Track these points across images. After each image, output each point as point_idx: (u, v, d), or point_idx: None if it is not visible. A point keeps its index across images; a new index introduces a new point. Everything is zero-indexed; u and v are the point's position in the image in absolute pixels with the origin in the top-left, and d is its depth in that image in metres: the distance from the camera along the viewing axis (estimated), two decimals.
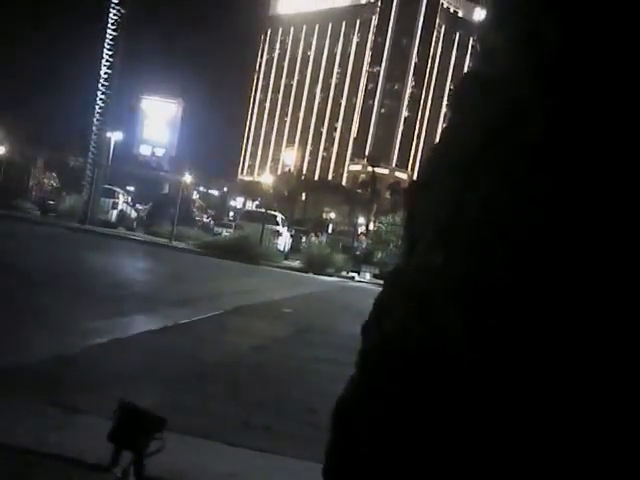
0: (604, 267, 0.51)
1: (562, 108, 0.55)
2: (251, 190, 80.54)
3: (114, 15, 21.69)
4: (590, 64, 0.52)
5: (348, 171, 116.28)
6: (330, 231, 43.57)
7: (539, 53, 0.56)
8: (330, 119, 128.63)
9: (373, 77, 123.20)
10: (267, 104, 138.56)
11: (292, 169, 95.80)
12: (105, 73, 22.02)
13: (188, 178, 34.95)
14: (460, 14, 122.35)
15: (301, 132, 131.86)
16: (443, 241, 0.60)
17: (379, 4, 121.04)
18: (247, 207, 58.06)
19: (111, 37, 21.90)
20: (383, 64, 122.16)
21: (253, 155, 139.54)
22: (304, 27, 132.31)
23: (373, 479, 0.67)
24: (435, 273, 0.57)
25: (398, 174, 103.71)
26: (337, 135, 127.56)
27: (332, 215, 71.52)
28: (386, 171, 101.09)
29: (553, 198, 0.54)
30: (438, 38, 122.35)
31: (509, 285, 0.53)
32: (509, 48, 0.59)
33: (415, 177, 0.78)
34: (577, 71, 0.54)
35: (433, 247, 0.60)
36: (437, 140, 0.73)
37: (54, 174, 30.94)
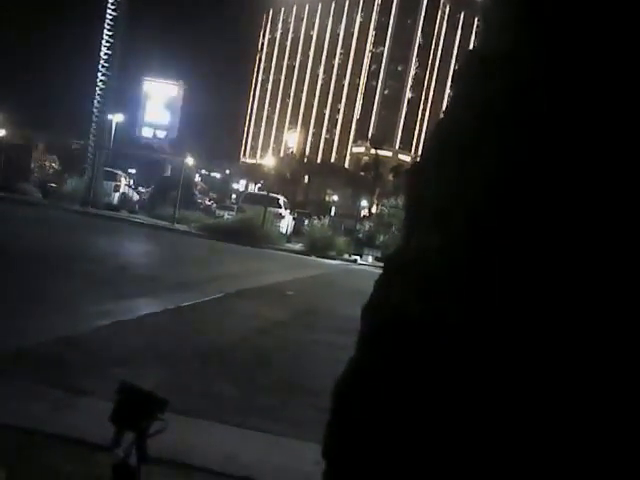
0: (606, 253, 0.51)
1: (564, 88, 0.54)
2: (253, 172, 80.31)
3: None
4: (593, 42, 0.51)
5: (351, 153, 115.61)
6: (333, 214, 43.48)
7: (541, 30, 0.55)
8: (333, 100, 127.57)
9: (376, 58, 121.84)
10: (269, 85, 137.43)
11: (294, 151, 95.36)
12: (105, 54, 21.81)
13: (190, 160, 34.86)
14: None
15: (304, 114, 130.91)
16: (442, 224, 0.59)
17: None
18: (249, 190, 57.91)
19: (111, 17, 21.63)
20: (387, 44, 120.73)
21: (255, 137, 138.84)
22: (307, 6, 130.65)
23: (372, 460, 0.68)
24: (434, 256, 0.57)
25: (401, 156, 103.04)
26: (340, 117, 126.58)
27: (335, 198, 71.37)
28: (389, 153, 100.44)
29: (555, 182, 0.53)
30: (442, 18, 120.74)
31: (507, 269, 0.53)
32: (511, 26, 0.58)
33: (417, 159, 0.77)
34: (580, 49, 0.53)
35: (432, 230, 0.59)
36: (438, 121, 0.71)
37: (55, 157, 30.86)
